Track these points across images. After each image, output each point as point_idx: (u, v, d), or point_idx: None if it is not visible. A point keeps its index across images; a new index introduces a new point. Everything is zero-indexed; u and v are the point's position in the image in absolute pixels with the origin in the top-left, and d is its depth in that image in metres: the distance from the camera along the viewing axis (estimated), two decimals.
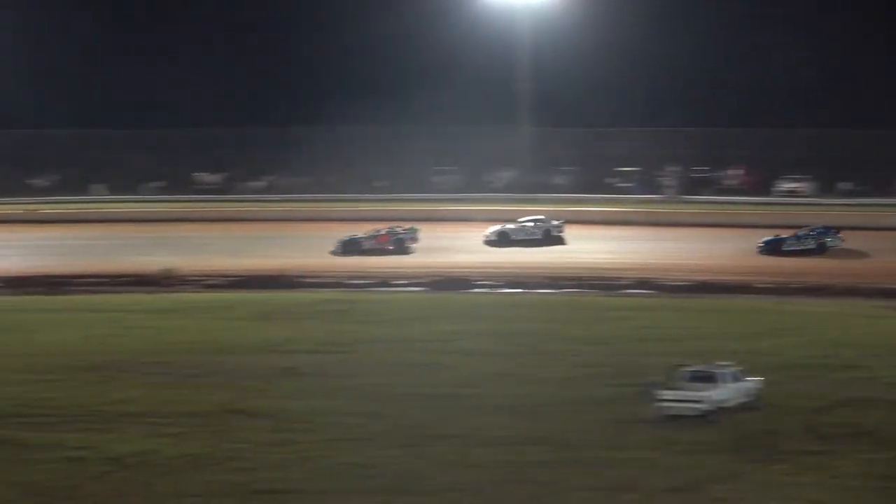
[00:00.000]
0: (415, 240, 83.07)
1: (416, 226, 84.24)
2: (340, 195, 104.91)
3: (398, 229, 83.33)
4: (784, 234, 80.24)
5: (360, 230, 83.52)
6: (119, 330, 57.61)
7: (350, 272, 76.03)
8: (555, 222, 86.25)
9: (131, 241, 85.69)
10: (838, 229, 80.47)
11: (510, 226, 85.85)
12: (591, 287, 70.92)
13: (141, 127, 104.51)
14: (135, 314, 62.49)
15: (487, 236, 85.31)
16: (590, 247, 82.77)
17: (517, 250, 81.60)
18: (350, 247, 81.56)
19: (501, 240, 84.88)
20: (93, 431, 39.70)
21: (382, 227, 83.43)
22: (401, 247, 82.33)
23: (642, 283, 71.24)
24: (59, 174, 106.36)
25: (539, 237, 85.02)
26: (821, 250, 79.19)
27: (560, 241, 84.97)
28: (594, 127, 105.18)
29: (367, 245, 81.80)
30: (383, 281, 73.70)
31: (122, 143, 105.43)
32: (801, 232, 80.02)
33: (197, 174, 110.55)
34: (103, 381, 46.48)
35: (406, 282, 73.49)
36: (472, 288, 71.93)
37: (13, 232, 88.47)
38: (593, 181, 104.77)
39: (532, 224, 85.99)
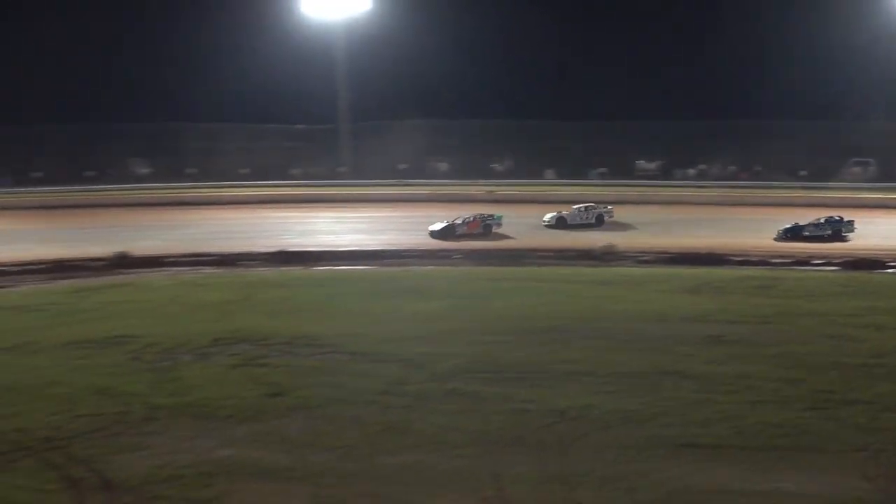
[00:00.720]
0: (499, 225, 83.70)
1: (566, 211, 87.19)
2: (766, 183, 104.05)
3: (486, 215, 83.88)
4: (801, 222, 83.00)
5: (454, 216, 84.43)
6: (564, 298, 58.27)
7: (771, 252, 75.79)
8: (605, 208, 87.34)
9: None
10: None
11: (565, 212, 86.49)
12: None
13: (587, 119, 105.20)
14: (578, 285, 63.05)
15: (547, 221, 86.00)
16: None
17: None
18: (447, 232, 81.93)
19: (559, 224, 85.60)
20: (539, 387, 40.38)
21: (470, 214, 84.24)
22: (488, 232, 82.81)
23: None
24: (514, 160, 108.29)
25: (592, 222, 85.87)
26: (836, 237, 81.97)
27: (605, 224, 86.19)
28: None
29: (459, 231, 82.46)
30: (802, 260, 72.94)
31: (571, 133, 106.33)
32: (816, 220, 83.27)
33: (638, 162, 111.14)
34: (549, 343, 47.05)
35: (822, 261, 72.51)
36: (884, 268, 70.80)
37: (475, 210, 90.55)
38: None
39: (584, 209, 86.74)
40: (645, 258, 74.86)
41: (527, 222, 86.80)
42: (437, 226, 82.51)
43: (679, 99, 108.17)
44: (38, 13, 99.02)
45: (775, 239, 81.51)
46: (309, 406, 38.65)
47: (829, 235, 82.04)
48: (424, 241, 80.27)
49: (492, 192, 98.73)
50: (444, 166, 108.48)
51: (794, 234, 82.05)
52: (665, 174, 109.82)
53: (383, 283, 63.83)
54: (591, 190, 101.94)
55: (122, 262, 71.27)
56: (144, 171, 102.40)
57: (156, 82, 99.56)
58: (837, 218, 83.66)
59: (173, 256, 73.89)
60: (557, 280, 65.14)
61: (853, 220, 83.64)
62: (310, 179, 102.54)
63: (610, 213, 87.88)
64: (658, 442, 34.41)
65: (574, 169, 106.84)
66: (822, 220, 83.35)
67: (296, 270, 69.99)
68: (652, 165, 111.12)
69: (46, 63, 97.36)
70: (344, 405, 38.69)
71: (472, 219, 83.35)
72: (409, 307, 55.65)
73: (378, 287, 62.47)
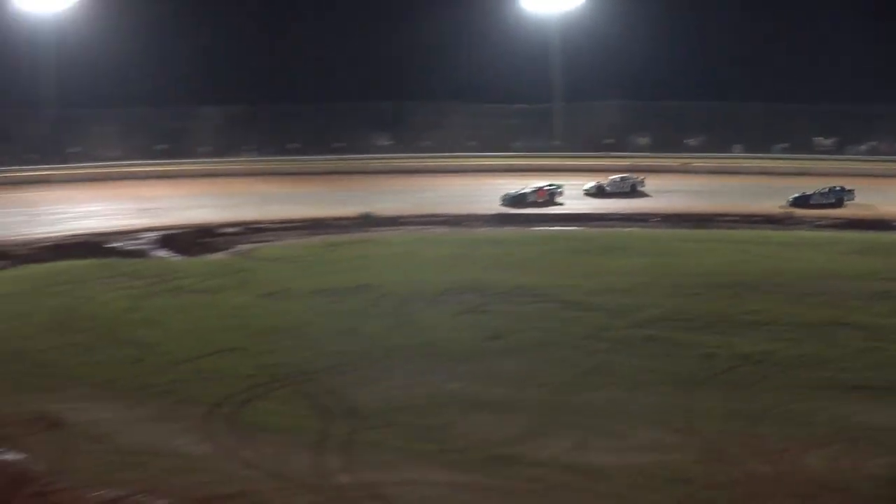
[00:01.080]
0: (561, 193, 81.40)
1: None
2: None
3: (550, 185, 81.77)
4: (808, 191, 79.82)
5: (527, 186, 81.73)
6: (748, 257, 57.52)
7: None
8: (638, 178, 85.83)
9: (759, 189, 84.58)
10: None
11: (604, 181, 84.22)
12: None
13: (772, 100, 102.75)
14: (760, 245, 62.19)
15: (587, 189, 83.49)
16: None
17: None
18: (517, 200, 79.57)
19: (599, 192, 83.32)
20: (726, 334, 40.10)
21: (537, 185, 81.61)
22: (552, 199, 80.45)
23: None
24: (705, 135, 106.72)
25: (627, 190, 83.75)
26: (839, 204, 78.96)
27: (643, 194, 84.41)
28: None
29: (530, 199, 79.95)
30: None
31: (756, 112, 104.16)
32: (821, 189, 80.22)
33: (815, 138, 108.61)
34: (734, 297, 46.59)
35: None
36: None
37: (669, 179, 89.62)
38: None
39: (620, 180, 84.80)
40: (820, 223, 73.13)
41: (717, 189, 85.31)
42: (510, 194, 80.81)
43: (856, 81, 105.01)
44: (303, 9, 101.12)
45: (782, 206, 77.93)
46: (523, 348, 39.01)
47: (832, 203, 79.28)
48: (626, 206, 79.22)
49: (686, 164, 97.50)
50: (644, 141, 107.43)
51: (802, 202, 79.06)
52: (839, 149, 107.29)
53: (590, 242, 63.60)
54: (773, 162, 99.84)
55: (367, 221, 72.15)
56: (385, 143, 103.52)
57: (395, 66, 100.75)
58: (839, 188, 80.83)
59: (408, 217, 74.44)
60: (743, 241, 64.28)
61: (853, 190, 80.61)
62: (527, 152, 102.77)
63: (641, 182, 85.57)
64: (832, 384, 34.03)
65: (759, 144, 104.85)
66: (826, 190, 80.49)
67: (513, 230, 70.08)
68: (828, 141, 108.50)
69: (303, 51, 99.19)
70: (554, 347, 38.94)
71: (539, 188, 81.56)
72: (612, 263, 55.46)
73: (585, 245, 62.27)
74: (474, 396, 33.41)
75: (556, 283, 49.57)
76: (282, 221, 71.45)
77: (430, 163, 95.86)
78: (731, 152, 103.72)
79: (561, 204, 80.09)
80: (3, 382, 35.25)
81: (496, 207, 78.17)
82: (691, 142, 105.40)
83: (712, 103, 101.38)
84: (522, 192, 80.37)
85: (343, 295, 47.71)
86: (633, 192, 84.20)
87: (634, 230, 70.32)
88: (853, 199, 79.90)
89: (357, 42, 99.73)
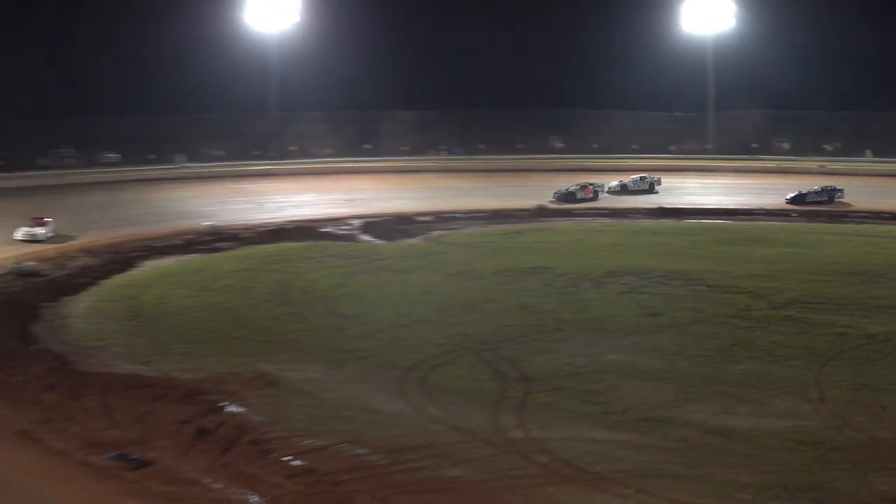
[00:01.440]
0: (603, 191, 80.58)
1: None
2: None
3: (593, 183, 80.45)
4: (804, 190, 78.48)
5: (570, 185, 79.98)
6: (876, 249, 56.22)
7: None
8: (655, 178, 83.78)
9: (888, 189, 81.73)
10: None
11: (626, 180, 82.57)
12: None
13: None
14: (887, 239, 60.66)
15: (612, 188, 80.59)
16: None
17: None
18: (567, 197, 77.79)
19: (623, 190, 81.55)
20: (855, 316, 39.37)
21: (581, 183, 79.97)
22: (596, 196, 79.50)
23: None
24: (841, 141, 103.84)
25: (646, 188, 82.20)
26: (831, 201, 77.36)
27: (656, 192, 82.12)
28: None
29: (578, 196, 78.27)
30: None
31: (882, 120, 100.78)
32: (815, 189, 78.62)
33: None
34: (864, 283, 45.62)
35: None
36: None
37: (803, 179, 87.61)
38: None
39: (640, 179, 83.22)
40: None
41: (849, 189, 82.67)
42: (560, 191, 79.01)
43: None
44: (496, 29, 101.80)
45: (787, 203, 77.01)
46: (677, 324, 38.90)
47: (825, 200, 77.28)
48: (770, 202, 77.65)
49: (823, 166, 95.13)
50: (786, 145, 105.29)
51: (799, 199, 77.30)
52: None
53: (735, 233, 63.05)
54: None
55: (541, 213, 72.49)
56: (559, 145, 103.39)
57: (571, 78, 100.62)
58: (830, 187, 78.89)
59: (578, 209, 74.50)
60: (873, 234, 62.82)
61: (843, 189, 78.64)
62: (683, 154, 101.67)
63: (658, 181, 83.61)
64: None
65: (889, 149, 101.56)
66: (820, 189, 78.58)
67: (669, 222, 69.56)
68: None
69: (490, 63, 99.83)
70: (703, 325, 38.75)
71: (585, 186, 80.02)
72: (754, 252, 54.93)
73: (731, 236, 61.78)
74: (633, 366, 33.53)
75: (705, 268, 49.21)
76: (468, 212, 72.13)
77: (598, 163, 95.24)
78: (862, 156, 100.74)
79: (599, 200, 79.08)
80: (228, 346, 36.64)
81: (654, 200, 78.07)
82: (828, 147, 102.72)
83: (847, 113, 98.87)
84: (570, 189, 79.63)
85: (520, 276, 48.19)
86: (651, 189, 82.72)
87: (776, 223, 69.11)
88: (843, 196, 78.35)
89: (537, 56, 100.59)
